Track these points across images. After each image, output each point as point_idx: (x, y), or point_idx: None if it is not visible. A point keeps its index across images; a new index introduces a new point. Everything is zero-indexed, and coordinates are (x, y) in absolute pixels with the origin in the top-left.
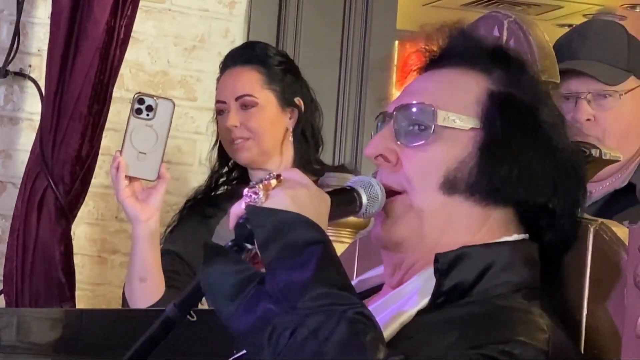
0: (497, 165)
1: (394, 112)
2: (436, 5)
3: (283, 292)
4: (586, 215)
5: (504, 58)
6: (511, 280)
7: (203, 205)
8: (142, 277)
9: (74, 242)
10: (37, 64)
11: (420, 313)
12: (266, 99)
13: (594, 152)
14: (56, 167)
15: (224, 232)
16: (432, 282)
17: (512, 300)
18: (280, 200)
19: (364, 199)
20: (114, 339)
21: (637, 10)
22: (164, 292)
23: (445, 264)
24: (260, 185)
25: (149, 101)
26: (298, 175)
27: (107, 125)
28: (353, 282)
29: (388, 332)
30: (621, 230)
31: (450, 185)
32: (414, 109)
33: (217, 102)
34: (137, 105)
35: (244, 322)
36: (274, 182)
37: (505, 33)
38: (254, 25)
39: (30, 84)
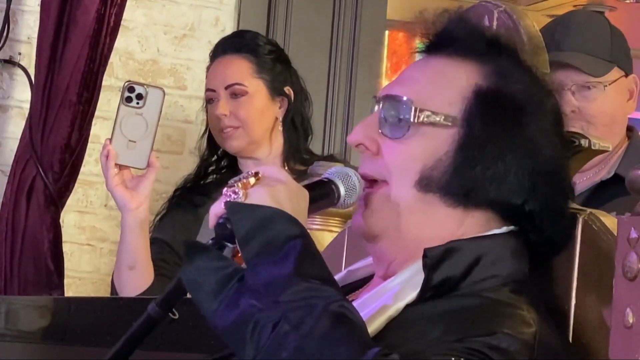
0: (471, 166)
1: (380, 100)
2: None
3: (264, 288)
4: (575, 206)
5: (501, 49)
6: (500, 274)
7: (192, 194)
8: (131, 265)
9: (63, 230)
10: (27, 52)
11: (407, 307)
12: (256, 87)
13: (584, 143)
14: (45, 155)
15: None
16: (419, 276)
17: (500, 294)
18: (259, 197)
19: (342, 190)
20: (103, 327)
21: (627, 1)
22: (153, 280)
23: (434, 259)
24: (239, 184)
25: (139, 89)
26: (276, 171)
27: (97, 113)
28: (342, 273)
29: (375, 326)
30: (610, 221)
31: (425, 183)
32: (396, 101)
33: (207, 90)
34: (127, 94)
35: (226, 319)
36: (252, 180)
37: (495, 23)
38: (244, 14)
39: (19, 71)
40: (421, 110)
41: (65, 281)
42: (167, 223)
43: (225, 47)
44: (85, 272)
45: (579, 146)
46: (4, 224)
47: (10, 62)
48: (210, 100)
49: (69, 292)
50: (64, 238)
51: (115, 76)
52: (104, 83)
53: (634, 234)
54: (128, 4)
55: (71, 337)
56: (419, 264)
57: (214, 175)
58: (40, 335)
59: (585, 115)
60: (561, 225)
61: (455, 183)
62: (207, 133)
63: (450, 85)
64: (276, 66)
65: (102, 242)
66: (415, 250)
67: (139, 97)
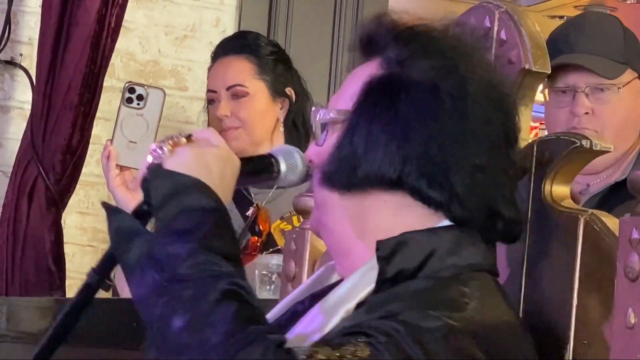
0: (344, 150)
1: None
2: None
3: (167, 259)
4: (576, 206)
5: (409, 39)
6: (457, 263)
7: None
8: None
9: (64, 231)
10: (28, 53)
11: (363, 302)
12: (257, 88)
13: (585, 143)
14: (47, 156)
15: None
16: (372, 273)
17: (452, 280)
18: (183, 158)
19: (283, 167)
20: (104, 328)
21: (628, 2)
22: None
23: (386, 250)
24: (170, 142)
25: (139, 90)
26: (210, 135)
27: (98, 114)
28: (321, 269)
29: (328, 329)
30: (611, 221)
31: (325, 180)
32: (320, 108)
33: (208, 91)
34: (127, 95)
35: (139, 292)
36: (183, 140)
37: (496, 23)
38: (245, 14)
39: (21, 72)
40: (327, 111)
41: (67, 282)
42: None
43: (227, 48)
44: (86, 273)
45: (581, 147)
46: (6, 225)
47: (12, 63)
48: (211, 101)
49: (70, 293)
50: (65, 239)
51: (116, 77)
52: (105, 84)
53: (635, 235)
54: (129, 5)
55: (72, 338)
56: (366, 267)
57: None
58: (42, 336)
59: (599, 117)
60: (465, 205)
61: (337, 169)
62: None
63: (354, 82)
64: (277, 67)
65: (103, 243)
66: (351, 246)
67: (140, 98)
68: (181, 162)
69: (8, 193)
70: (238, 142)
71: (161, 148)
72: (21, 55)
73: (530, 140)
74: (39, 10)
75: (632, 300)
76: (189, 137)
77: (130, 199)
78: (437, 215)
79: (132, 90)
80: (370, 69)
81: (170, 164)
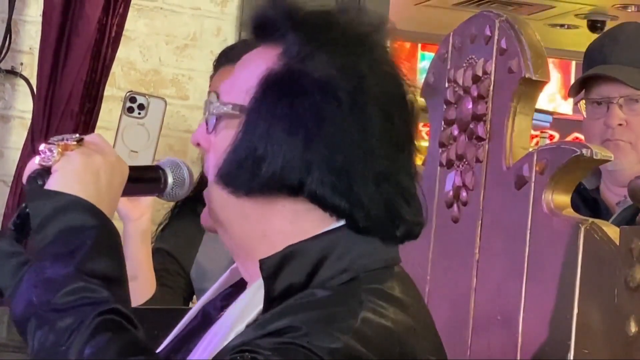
0: (241, 151)
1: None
2: (428, 5)
3: (44, 284)
4: (577, 215)
5: (301, 27)
6: (349, 267)
7: (195, 204)
8: (134, 276)
9: None
10: (29, 62)
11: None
12: None
13: (585, 152)
14: None
15: None
16: (261, 291)
17: (344, 288)
18: (72, 165)
19: (170, 179)
20: None
21: (629, 11)
22: (156, 290)
23: (270, 268)
24: (61, 144)
25: (140, 100)
26: (101, 141)
27: (99, 123)
28: (226, 274)
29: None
30: (612, 230)
31: (221, 178)
32: (210, 96)
33: None
34: (128, 104)
35: (16, 312)
36: (73, 144)
37: (496, 32)
38: (246, 23)
39: (22, 82)
40: (217, 103)
41: None
42: (169, 233)
43: (229, 57)
44: None
45: (581, 156)
46: None
47: (12, 72)
48: None
49: None
50: None
51: (117, 86)
52: (105, 93)
53: (636, 244)
54: (130, 14)
55: None
56: (258, 282)
57: None
58: None
59: (634, 129)
60: (366, 211)
61: (230, 171)
62: None
63: (249, 73)
64: None
65: None
66: (250, 246)
67: (141, 107)
68: (69, 170)
69: (9, 202)
70: None
71: (51, 150)
72: (22, 64)
73: (530, 149)
74: (40, 19)
75: (632, 309)
76: (79, 141)
77: (131, 208)
78: (334, 217)
79: (133, 100)
80: (266, 60)
81: (57, 173)
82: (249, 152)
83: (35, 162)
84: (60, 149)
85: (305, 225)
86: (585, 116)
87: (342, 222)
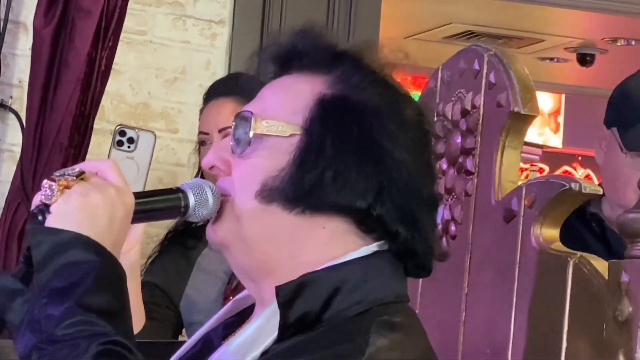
0: (308, 170)
1: (234, 121)
2: (418, 38)
3: (45, 320)
4: (565, 249)
5: (346, 59)
6: (363, 299)
7: (184, 237)
8: None
9: None
10: (18, 95)
11: (267, 351)
12: None
13: (574, 186)
14: None
15: (206, 263)
16: (276, 318)
17: (357, 321)
18: (68, 207)
19: (191, 201)
20: None
21: (619, 44)
22: (145, 323)
23: (287, 296)
24: (62, 181)
25: (130, 133)
26: (106, 168)
27: (88, 156)
28: (229, 304)
29: None
30: (600, 264)
31: (266, 194)
32: (242, 118)
33: (200, 133)
34: (118, 137)
35: (20, 349)
36: (73, 180)
37: (485, 66)
38: (235, 57)
39: (11, 115)
40: (260, 122)
41: None
42: (159, 266)
43: (219, 90)
44: None
45: (570, 190)
46: None
47: (2, 105)
48: (203, 143)
49: None
50: None
51: (106, 119)
52: (95, 126)
53: (625, 278)
54: (119, 47)
55: None
56: (272, 308)
57: None
58: None
59: None
60: (423, 237)
61: (293, 188)
62: (199, 176)
63: (295, 96)
64: None
65: None
66: (273, 266)
67: (130, 140)
68: (65, 212)
69: None
70: None
71: (51, 188)
72: (11, 97)
73: (519, 183)
74: (29, 52)
75: (621, 343)
76: (80, 175)
77: None
78: (367, 241)
79: (122, 133)
80: (313, 85)
81: (55, 214)
82: (316, 171)
83: (37, 200)
84: (60, 187)
85: (337, 248)
86: (622, 162)
87: (359, 252)
